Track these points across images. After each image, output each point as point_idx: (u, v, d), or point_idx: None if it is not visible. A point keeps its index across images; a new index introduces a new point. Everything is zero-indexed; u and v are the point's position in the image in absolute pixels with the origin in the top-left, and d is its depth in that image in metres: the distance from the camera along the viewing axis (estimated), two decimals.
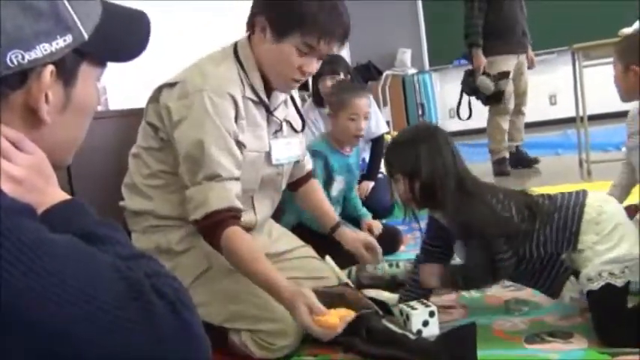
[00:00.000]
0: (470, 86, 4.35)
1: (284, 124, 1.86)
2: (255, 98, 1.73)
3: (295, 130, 1.92)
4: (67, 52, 0.75)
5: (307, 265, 1.97)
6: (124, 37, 0.84)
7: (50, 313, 0.62)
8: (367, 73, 6.69)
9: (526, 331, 1.67)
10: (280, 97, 1.84)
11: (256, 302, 1.68)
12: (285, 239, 2.03)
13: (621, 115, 2.06)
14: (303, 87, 5.48)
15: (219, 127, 1.62)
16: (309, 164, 2.10)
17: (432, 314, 1.72)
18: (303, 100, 4.31)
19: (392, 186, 1.72)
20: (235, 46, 1.77)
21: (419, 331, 1.70)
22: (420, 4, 7.37)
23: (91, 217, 0.77)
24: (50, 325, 0.62)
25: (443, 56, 7.13)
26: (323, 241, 2.10)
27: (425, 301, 1.78)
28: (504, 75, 4.29)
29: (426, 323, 1.71)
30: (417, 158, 1.63)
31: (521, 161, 4.54)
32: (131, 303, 0.66)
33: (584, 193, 1.61)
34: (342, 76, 3.32)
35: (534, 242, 1.61)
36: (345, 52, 6.47)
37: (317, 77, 3.39)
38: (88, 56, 0.79)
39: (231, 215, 1.61)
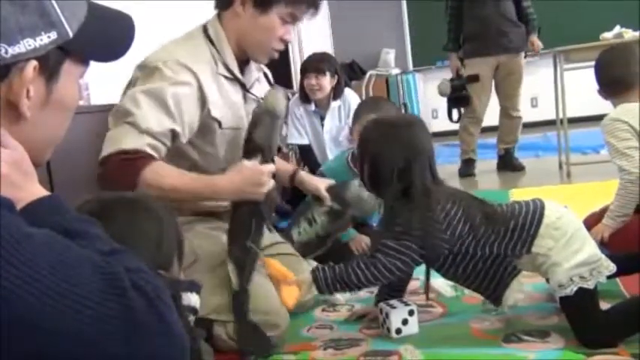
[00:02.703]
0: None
1: (261, 101, 1.85)
2: (229, 75, 1.75)
3: None
4: (51, 48, 0.75)
5: (288, 262, 1.97)
6: (108, 37, 0.85)
7: (25, 306, 0.62)
8: (351, 73, 6.71)
9: (503, 330, 1.69)
10: (253, 75, 1.86)
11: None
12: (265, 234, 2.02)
13: (601, 119, 2.08)
14: (288, 85, 5.49)
15: (163, 89, 1.62)
16: None
17: (411, 313, 1.73)
18: (288, 98, 4.31)
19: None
20: (205, 26, 1.79)
21: (398, 330, 1.71)
22: (404, 5, 7.40)
23: (70, 214, 0.77)
24: (25, 318, 0.62)
25: (426, 57, 7.17)
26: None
27: (404, 300, 1.80)
28: (473, 79, 4.42)
29: (405, 322, 1.72)
30: (376, 140, 1.62)
31: (508, 165, 4.59)
32: (109, 297, 0.66)
33: (541, 200, 1.62)
34: (327, 75, 3.34)
35: (482, 241, 1.57)
36: (329, 51, 6.47)
37: (303, 74, 3.42)
38: (71, 54, 0.80)
39: (142, 156, 1.59)
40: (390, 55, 7.20)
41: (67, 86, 0.80)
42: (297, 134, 3.49)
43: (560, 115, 4.19)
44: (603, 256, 1.57)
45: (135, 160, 1.55)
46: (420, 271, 1.85)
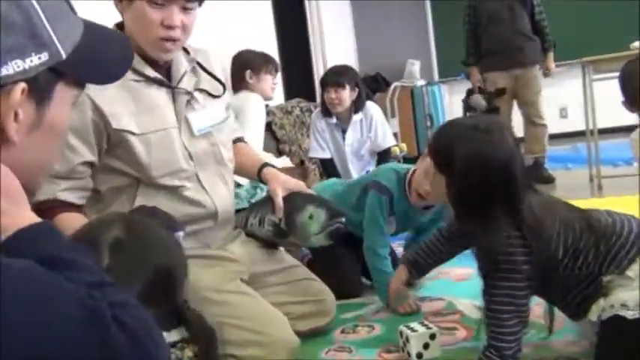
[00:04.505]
0: (466, 104, 4.73)
1: (195, 93, 1.75)
2: (140, 78, 1.64)
3: (213, 96, 1.80)
4: (42, 70, 0.72)
5: (303, 288, 1.93)
6: (105, 58, 0.82)
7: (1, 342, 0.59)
8: (375, 85, 6.66)
9: (529, 355, 1.61)
10: (182, 67, 1.73)
11: (240, 327, 1.63)
12: (278, 255, 1.98)
13: (632, 130, 2.00)
14: (311, 98, 5.47)
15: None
16: (238, 132, 2.02)
17: (432, 336, 1.67)
18: (309, 110, 4.28)
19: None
20: None
21: (419, 354, 1.65)
22: (429, 15, 7.34)
23: (60, 241, 0.74)
24: (4, 351, 0.59)
25: (452, 68, 7.07)
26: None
27: (426, 322, 1.73)
28: (500, 92, 4.51)
29: (426, 346, 1.65)
30: (457, 149, 1.42)
31: (537, 176, 4.47)
32: (88, 332, 0.63)
33: None
34: (347, 88, 3.30)
35: (580, 259, 1.46)
36: (353, 63, 6.44)
37: (323, 88, 3.39)
38: (65, 76, 0.76)
39: (56, 205, 1.57)
40: (415, 67, 7.12)
41: (59, 110, 0.77)
42: (319, 148, 3.46)
43: (590, 126, 4.09)
44: None
45: (46, 211, 1.51)
46: (441, 291, 1.79)
